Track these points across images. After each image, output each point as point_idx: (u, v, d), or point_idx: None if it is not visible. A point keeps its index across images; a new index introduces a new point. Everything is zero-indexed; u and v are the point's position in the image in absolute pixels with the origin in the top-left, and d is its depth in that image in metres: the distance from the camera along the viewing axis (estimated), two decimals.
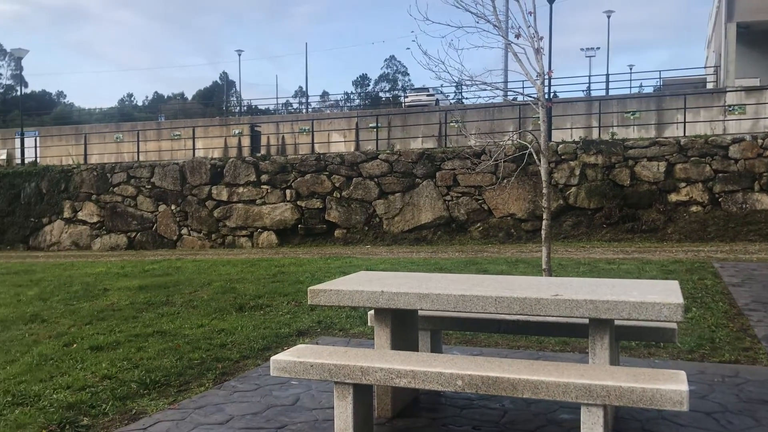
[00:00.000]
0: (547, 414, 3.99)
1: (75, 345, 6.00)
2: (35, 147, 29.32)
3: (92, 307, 7.89)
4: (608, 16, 45.96)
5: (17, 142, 29.23)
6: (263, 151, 27.83)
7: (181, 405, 4.33)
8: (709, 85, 30.94)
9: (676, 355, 5.25)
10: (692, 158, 14.79)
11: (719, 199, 14.53)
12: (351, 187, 17.03)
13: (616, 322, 3.99)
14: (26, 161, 26.34)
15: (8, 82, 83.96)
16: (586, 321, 3.82)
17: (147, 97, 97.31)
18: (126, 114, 64.31)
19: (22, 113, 32.85)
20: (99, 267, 12.39)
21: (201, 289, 8.93)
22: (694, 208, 14.60)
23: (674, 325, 4.13)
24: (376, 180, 16.89)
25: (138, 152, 23.27)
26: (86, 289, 9.29)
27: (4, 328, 6.95)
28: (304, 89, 69.58)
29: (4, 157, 30.24)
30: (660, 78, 36.33)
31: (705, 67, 36.23)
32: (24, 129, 30.16)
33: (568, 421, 3.87)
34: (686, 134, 16.67)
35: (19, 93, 48.34)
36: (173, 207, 18.55)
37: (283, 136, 31.10)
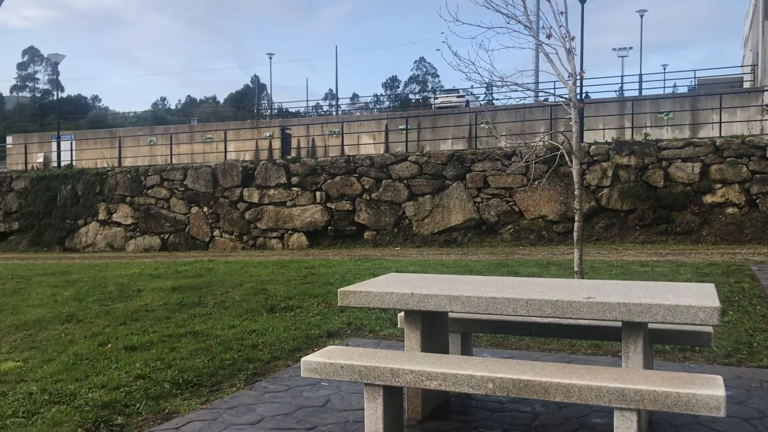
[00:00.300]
0: (580, 418, 3.94)
1: (110, 345, 6.10)
2: (71, 150, 29.88)
3: (126, 308, 8.01)
4: (641, 16, 45.35)
5: (54, 145, 29.79)
6: (293, 154, 27.99)
7: (213, 405, 4.37)
8: (746, 85, 30.34)
9: (712, 359, 5.15)
10: (728, 159, 14.50)
11: (756, 201, 14.21)
12: (380, 189, 17.05)
13: (650, 326, 3.93)
14: (62, 164, 26.85)
15: (45, 87, 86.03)
16: (619, 324, 3.77)
17: (180, 100, 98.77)
18: (159, 117, 65.33)
19: (58, 117, 33.46)
20: (133, 268, 12.59)
21: (232, 290, 9.01)
22: (730, 210, 14.31)
23: (710, 329, 4.05)
24: (405, 182, 16.87)
25: (171, 155, 23.63)
26: (120, 290, 9.45)
27: (41, 328, 7.09)
28: (334, 92, 70.05)
29: (41, 160, 30.87)
30: (695, 78, 35.82)
31: (742, 66, 35.56)
32: (60, 132, 30.74)
33: (600, 425, 3.82)
34: (722, 134, 16.36)
35: (55, 97, 49.33)
36: (205, 209, 18.77)
37: (313, 139, 31.29)
